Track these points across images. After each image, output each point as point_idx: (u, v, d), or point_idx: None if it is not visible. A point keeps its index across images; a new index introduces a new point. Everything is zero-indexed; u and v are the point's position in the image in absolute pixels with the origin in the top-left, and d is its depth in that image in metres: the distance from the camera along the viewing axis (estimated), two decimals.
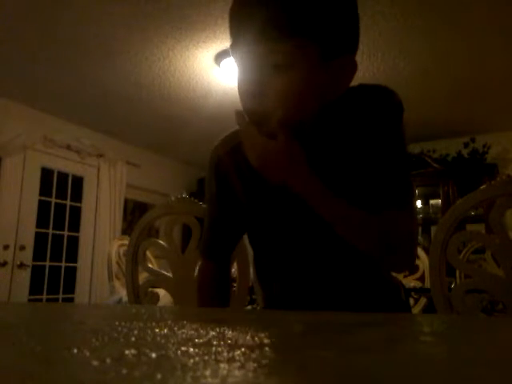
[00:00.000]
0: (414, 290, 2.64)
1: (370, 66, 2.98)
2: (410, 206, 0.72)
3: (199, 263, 0.98)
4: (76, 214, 4.19)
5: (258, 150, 0.69)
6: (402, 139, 0.73)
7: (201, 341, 0.27)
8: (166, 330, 0.33)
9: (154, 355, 0.22)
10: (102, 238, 4.24)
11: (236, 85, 0.72)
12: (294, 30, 0.64)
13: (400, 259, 0.72)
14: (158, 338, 0.29)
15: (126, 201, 4.67)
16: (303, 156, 0.68)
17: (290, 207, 0.77)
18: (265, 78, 0.67)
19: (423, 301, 2.68)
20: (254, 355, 0.22)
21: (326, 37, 0.66)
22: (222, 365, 0.20)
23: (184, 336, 0.30)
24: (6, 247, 3.55)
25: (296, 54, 0.65)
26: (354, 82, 0.74)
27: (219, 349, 0.24)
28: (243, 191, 0.82)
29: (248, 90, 0.68)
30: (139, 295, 1.10)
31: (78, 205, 4.22)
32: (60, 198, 4.07)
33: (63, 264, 4.05)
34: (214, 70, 3.08)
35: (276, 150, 0.67)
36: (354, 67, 0.70)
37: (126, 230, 4.45)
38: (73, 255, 4.13)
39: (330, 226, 0.72)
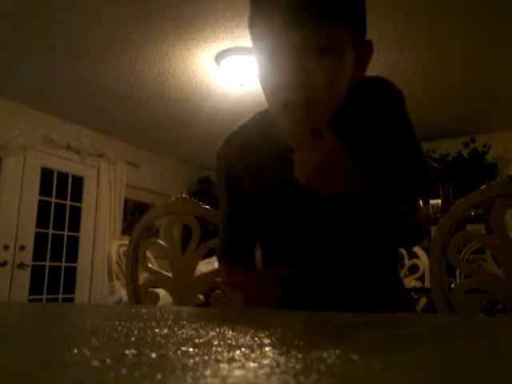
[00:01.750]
0: (414, 290, 2.64)
1: (371, 66, 2.97)
2: (428, 197, 0.77)
3: (201, 263, 0.97)
4: (76, 214, 4.19)
5: (311, 162, 0.62)
6: (411, 132, 0.73)
7: (201, 341, 0.27)
8: (165, 330, 0.33)
9: (154, 355, 0.22)
10: (101, 238, 4.24)
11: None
12: (336, 13, 0.61)
13: (417, 242, 0.84)
14: (158, 338, 0.29)
15: (126, 201, 4.67)
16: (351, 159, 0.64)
17: (304, 207, 0.75)
18: (310, 64, 0.62)
19: (423, 301, 2.68)
20: (253, 355, 0.22)
21: (358, 20, 0.65)
22: (222, 365, 0.20)
23: (184, 336, 0.30)
24: (6, 247, 3.55)
25: (339, 38, 0.62)
26: None
27: (219, 349, 0.24)
28: (256, 192, 0.79)
29: (286, 82, 0.62)
30: (139, 295, 1.10)
31: (78, 205, 4.22)
32: (60, 198, 4.07)
33: (63, 264, 4.05)
34: (214, 69, 3.08)
35: (330, 162, 0.61)
36: (371, 51, 0.71)
37: (126, 230, 4.44)
38: (73, 255, 4.13)
39: (344, 227, 0.73)
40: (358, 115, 0.72)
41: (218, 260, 0.87)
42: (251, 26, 0.67)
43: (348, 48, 0.64)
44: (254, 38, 0.67)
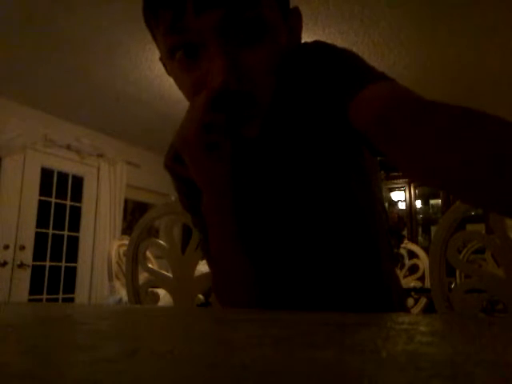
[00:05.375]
0: (414, 290, 2.64)
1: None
2: None
3: (201, 263, 0.93)
4: (76, 213, 4.20)
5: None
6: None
7: (201, 340, 0.27)
8: (165, 330, 0.33)
9: (153, 355, 0.22)
10: (101, 238, 4.25)
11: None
12: None
13: None
14: (158, 338, 0.29)
15: (126, 201, 4.67)
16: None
17: (271, 203, 0.67)
18: (243, 53, 0.53)
19: (423, 301, 2.69)
20: (253, 355, 0.22)
21: None
22: (221, 364, 0.20)
23: (184, 335, 0.30)
24: (6, 247, 3.55)
25: (266, 15, 0.54)
26: None
27: (219, 349, 0.24)
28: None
29: (215, 82, 0.52)
30: (139, 295, 1.10)
31: (78, 205, 4.22)
32: (60, 198, 4.08)
33: (63, 264, 4.05)
34: None
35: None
36: (301, 17, 0.63)
37: (126, 230, 4.45)
38: (73, 255, 4.13)
39: (316, 221, 0.65)
40: (298, 84, 0.62)
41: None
42: (149, 23, 0.57)
43: (277, 22, 0.55)
44: (156, 36, 0.58)
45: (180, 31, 0.53)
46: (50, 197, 3.99)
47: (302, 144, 0.63)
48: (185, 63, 0.56)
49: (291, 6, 0.62)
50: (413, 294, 2.62)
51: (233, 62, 0.52)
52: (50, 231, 3.96)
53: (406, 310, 0.85)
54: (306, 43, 0.64)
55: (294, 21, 0.61)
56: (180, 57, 0.55)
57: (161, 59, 0.63)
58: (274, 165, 0.65)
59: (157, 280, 1.12)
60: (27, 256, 3.71)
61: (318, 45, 0.62)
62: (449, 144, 0.41)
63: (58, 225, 4.03)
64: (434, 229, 4.56)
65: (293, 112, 0.61)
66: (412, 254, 3.20)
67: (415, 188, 4.91)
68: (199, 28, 0.51)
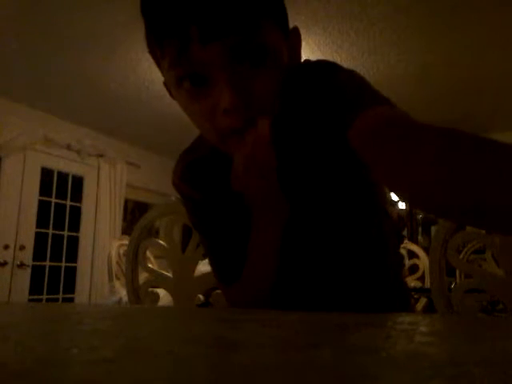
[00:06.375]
0: (414, 290, 2.65)
1: (370, 66, 2.98)
2: None
3: (201, 263, 0.93)
4: (76, 214, 4.19)
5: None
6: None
7: (201, 340, 0.27)
8: (166, 330, 0.33)
9: (154, 355, 0.22)
10: (101, 238, 4.24)
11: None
12: (258, 12, 0.53)
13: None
14: (158, 338, 0.29)
15: (126, 201, 4.67)
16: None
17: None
18: (248, 76, 0.53)
19: (423, 301, 2.69)
20: (254, 355, 0.22)
21: (278, 8, 0.58)
22: (221, 364, 0.20)
23: (185, 336, 0.30)
24: (6, 247, 3.55)
25: (268, 39, 0.54)
26: None
27: (219, 349, 0.24)
28: (219, 210, 0.73)
29: (223, 107, 0.53)
30: (139, 295, 1.10)
31: (78, 205, 4.22)
32: (60, 198, 4.08)
33: (63, 264, 4.05)
34: None
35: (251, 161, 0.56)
36: (300, 37, 0.63)
37: (126, 230, 4.44)
38: (73, 255, 4.13)
39: (321, 229, 0.68)
40: (300, 101, 0.64)
41: (224, 286, 0.77)
42: (153, 51, 0.59)
43: (279, 45, 0.56)
44: (160, 63, 0.58)
45: (186, 63, 0.53)
46: (50, 197, 3.99)
47: (306, 159, 0.67)
48: (193, 92, 0.56)
49: (293, 8, 0.63)
50: (413, 293, 2.62)
51: (240, 88, 0.53)
52: (50, 231, 3.96)
53: (412, 312, 0.87)
54: (308, 62, 0.67)
55: (294, 40, 0.62)
56: (187, 86, 0.56)
57: (165, 84, 0.64)
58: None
59: (157, 280, 1.12)
60: (27, 256, 3.71)
61: (321, 65, 0.65)
62: (438, 166, 0.43)
63: (58, 225, 4.03)
64: (434, 229, 4.56)
65: (297, 130, 0.64)
66: (412, 254, 3.20)
67: None
68: (206, 59, 0.52)
